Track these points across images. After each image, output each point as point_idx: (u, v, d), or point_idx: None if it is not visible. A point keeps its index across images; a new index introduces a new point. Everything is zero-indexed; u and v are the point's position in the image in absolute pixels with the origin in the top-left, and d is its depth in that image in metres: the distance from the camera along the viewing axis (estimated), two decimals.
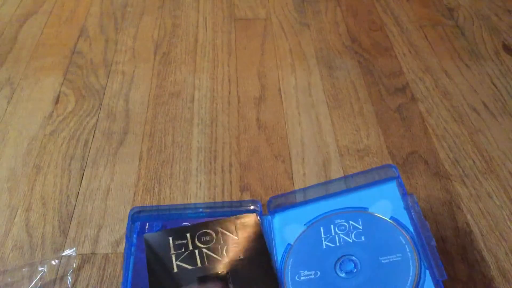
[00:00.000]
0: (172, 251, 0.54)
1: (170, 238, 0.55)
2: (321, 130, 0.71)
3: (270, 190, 0.63)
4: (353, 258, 0.50)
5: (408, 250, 0.48)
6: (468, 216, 0.60)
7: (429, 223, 0.58)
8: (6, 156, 0.67)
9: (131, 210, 0.57)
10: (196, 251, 0.54)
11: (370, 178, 0.56)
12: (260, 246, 0.54)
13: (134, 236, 0.56)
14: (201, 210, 0.58)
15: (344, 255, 0.50)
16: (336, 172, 0.65)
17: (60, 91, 0.77)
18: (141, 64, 0.82)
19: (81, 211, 0.60)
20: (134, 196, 0.62)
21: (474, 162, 0.66)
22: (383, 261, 0.48)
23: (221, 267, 0.52)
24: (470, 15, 0.94)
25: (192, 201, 0.61)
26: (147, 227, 0.57)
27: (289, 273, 0.51)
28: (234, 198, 0.62)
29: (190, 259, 0.53)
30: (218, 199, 0.62)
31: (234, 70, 0.81)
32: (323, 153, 0.67)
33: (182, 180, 0.64)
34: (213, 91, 0.77)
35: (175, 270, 0.52)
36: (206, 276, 0.52)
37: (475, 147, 0.68)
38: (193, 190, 0.63)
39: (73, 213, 0.60)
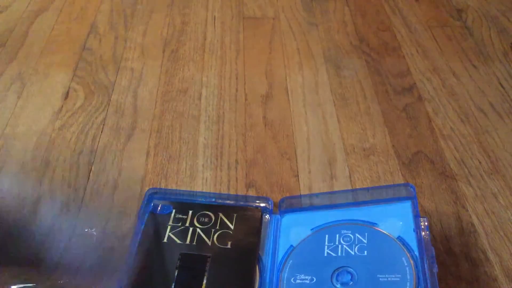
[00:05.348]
0: (170, 223, 0.57)
1: (173, 211, 0.58)
2: (327, 129, 0.71)
3: (275, 187, 0.63)
4: (351, 270, 0.50)
5: (408, 273, 0.47)
6: (473, 216, 0.60)
7: (434, 223, 0.59)
8: (16, 150, 0.68)
9: (148, 190, 0.60)
10: (191, 229, 0.56)
11: (386, 194, 0.56)
12: (251, 241, 0.55)
13: (146, 215, 0.57)
14: (213, 200, 0.60)
15: (343, 266, 0.50)
16: (341, 170, 0.65)
17: (69, 87, 0.78)
18: (150, 61, 0.83)
19: (89, 205, 0.61)
20: (140, 191, 0.62)
21: (480, 162, 0.66)
22: (380, 279, 0.48)
23: (206, 250, 0.54)
24: (479, 16, 0.94)
25: None
26: (159, 208, 0.58)
27: (285, 274, 0.51)
28: (240, 195, 0.62)
29: (182, 234, 0.56)
30: None
31: (241, 68, 0.82)
32: (329, 152, 0.68)
33: (188, 176, 0.64)
34: (221, 88, 0.78)
35: (165, 240, 0.55)
36: (188, 254, 0.54)
37: (481, 148, 0.68)
38: (199, 186, 0.63)
39: (80, 207, 0.61)
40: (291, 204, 0.59)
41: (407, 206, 0.53)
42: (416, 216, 0.52)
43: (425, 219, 0.51)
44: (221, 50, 0.86)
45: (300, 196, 0.61)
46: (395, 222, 0.52)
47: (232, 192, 0.62)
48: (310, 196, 0.61)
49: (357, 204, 0.56)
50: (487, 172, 0.65)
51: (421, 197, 0.62)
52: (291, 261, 0.52)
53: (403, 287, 0.47)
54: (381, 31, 0.90)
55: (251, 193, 0.62)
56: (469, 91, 0.77)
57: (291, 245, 0.54)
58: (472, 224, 0.59)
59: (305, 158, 0.67)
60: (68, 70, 0.81)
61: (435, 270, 0.47)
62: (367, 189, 0.61)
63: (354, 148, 0.68)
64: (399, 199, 0.54)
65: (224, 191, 0.63)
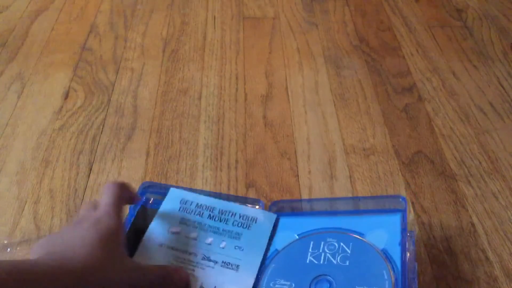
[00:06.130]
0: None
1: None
2: (327, 129, 0.71)
3: (275, 187, 0.63)
4: (330, 279, 0.49)
5: (387, 286, 0.46)
6: (473, 216, 0.60)
7: (434, 223, 0.59)
8: (16, 149, 0.68)
9: (142, 183, 0.59)
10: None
11: (377, 205, 0.56)
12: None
13: (138, 207, 0.56)
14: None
15: (323, 274, 0.49)
16: (341, 170, 0.65)
17: (69, 87, 0.78)
18: (150, 61, 0.83)
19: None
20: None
21: (480, 162, 0.66)
22: None
23: None
24: (479, 16, 0.94)
25: None
26: (151, 202, 0.58)
27: (266, 278, 0.51)
28: (240, 195, 0.62)
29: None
30: None
31: (241, 68, 0.82)
32: (329, 151, 0.68)
33: (188, 176, 0.64)
34: (221, 88, 0.78)
35: None
36: None
37: (481, 148, 0.68)
38: (199, 186, 0.63)
39: (80, 207, 0.61)
40: (281, 208, 0.59)
41: (396, 219, 0.52)
42: (403, 230, 0.51)
43: (412, 233, 0.51)
44: (221, 50, 0.86)
45: (291, 200, 0.61)
46: (382, 234, 0.51)
47: (232, 192, 0.62)
48: (303, 201, 0.61)
49: (346, 212, 0.56)
50: (487, 172, 0.65)
51: (421, 197, 0.62)
52: (273, 265, 0.52)
53: None
54: (381, 31, 0.90)
55: (251, 193, 0.62)
56: (469, 91, 0.77)
57: (276, 249, 0.53)
58: (472, 224, 0.59)
59: (305, 158, 0.67)
60: (68, 70, 0.81)
61: (415, 286, 0.46)
62: (358, 198, 0.61)
63: (354, 148, 0.68)
64: (389, 211, 0.54)
65: (224, 191, 0.63)
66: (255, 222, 0.56)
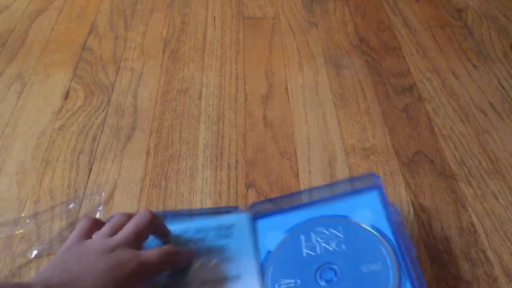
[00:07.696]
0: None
1: None
2: (327, 129, 0.71)
3: (275, 187, 0.63)
4: (334, 266, 0.49)
5: (388, 260, 0.47)
6: (473, 216, 0.60)
7: (434, 222, 0.59)
8: (16, 149, 0.68)
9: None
10: None
11: (351, 187, 0.56)
12: None
13: None
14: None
15: (325, 264, 0.50)
16: (341, 170, 0.65)
17: (69, 87, 0.78)
18: (150, 61, 0.83)
19: (88, 205, 0.61)
20: (140, 191, 0.62)
21: (480, 162, 0.66)
22: (363, 270, 0.48)
23: None
24: (479, 16, 0.94)
25: (198, 196, 0.62)
26: None
27: (269, 281, 0.50)
28: (240, 195, 0.62)
29: None
30: (224, 195, 0.62)
31: (241, 68, 0.82)
32: (329, 151, 0.68)
33: (188, 176, 0.64)
34: (221, 88, 0.78)
35: None
36: None
37: (481, 148, 0.68)
38: (199, 185, 0.63)
39: (80, 207, 0.61)
40: (261, 209, 0.59)
41: (373, 196, 0.53)
42: (385, 204, 0.52)
43: (394, 205, 0.51)
44: (221, 50, 0.86)
45: (265, 201, 0.61)
46: (366, 212, 0.52)
47: (232, 191, 0.63)
48: (279, 199, 0.60)
49: (324, 200, 0.56)
50: (487, 172, 0.65)
51: (421, 197, 0.62)
52: (271, 266, 0.51)
53: (386, 274, 0.47)
54: (381, 31, 0.90)
55: (251, 193, 0.62)
56: (469, 91, 0.77)
57: (269, 251, 0.53)
58: (472, 224, 0.59)
59: (305, 158, 0.67)
60: (68, 70, 0.81)
61: (413, 253, 0.47)
62: (330, 185, 0.61)
63: (354, 148, 0.68)
64: (365, 190, 0.54)
65: (224, 191, 0.63)
66: (233, 227, 0.54)
